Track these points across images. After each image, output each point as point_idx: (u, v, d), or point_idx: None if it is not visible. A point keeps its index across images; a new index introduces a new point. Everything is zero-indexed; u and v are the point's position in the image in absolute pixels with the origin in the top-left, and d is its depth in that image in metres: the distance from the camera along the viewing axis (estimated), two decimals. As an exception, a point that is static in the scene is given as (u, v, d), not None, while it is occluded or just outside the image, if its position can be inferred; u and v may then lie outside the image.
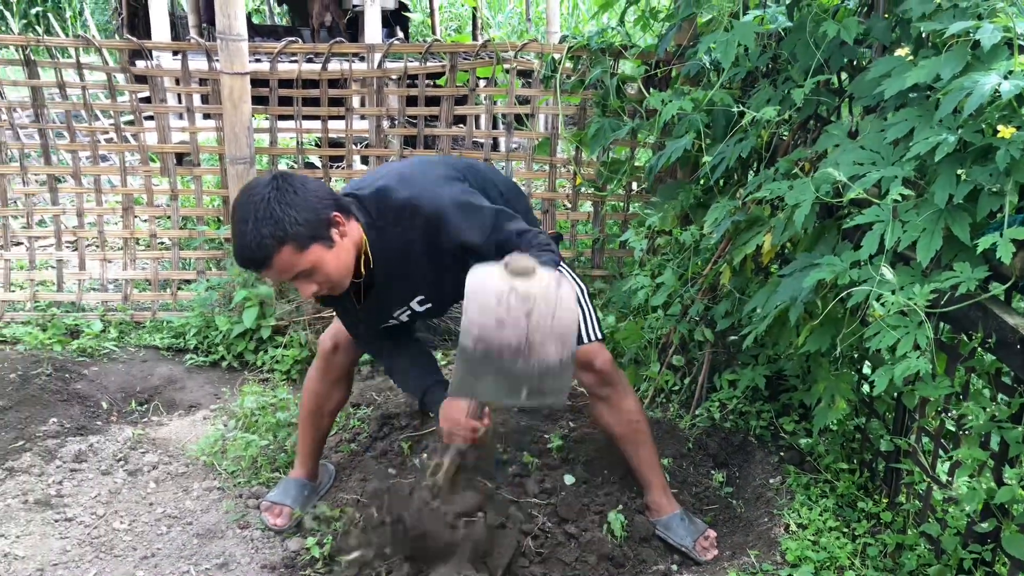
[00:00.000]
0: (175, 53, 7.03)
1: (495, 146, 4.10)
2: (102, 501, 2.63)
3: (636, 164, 3.98)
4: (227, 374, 3.59)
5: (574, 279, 2.38)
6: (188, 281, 4.13)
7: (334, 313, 2.44)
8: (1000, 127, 1.67)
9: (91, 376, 3.45)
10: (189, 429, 3.12)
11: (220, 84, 3.65)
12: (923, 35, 2.11)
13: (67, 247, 4.58)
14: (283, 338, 3.59)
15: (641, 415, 2.45)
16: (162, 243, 4.41)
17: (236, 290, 3.63)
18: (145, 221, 4.15)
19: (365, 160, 4.86)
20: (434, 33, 12.53)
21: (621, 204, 4.12)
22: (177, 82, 3.84)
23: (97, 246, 4.09)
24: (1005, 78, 1.68)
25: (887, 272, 1.72)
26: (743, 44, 2.39)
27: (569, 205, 4.13)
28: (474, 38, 12.67)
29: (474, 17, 13.03)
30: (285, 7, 11.83)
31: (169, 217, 4.06)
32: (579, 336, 2.28)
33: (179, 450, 2.97)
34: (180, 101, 4.29)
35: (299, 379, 3.52)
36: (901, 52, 2.01)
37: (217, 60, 3.64)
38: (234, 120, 3.66)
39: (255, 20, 12.86)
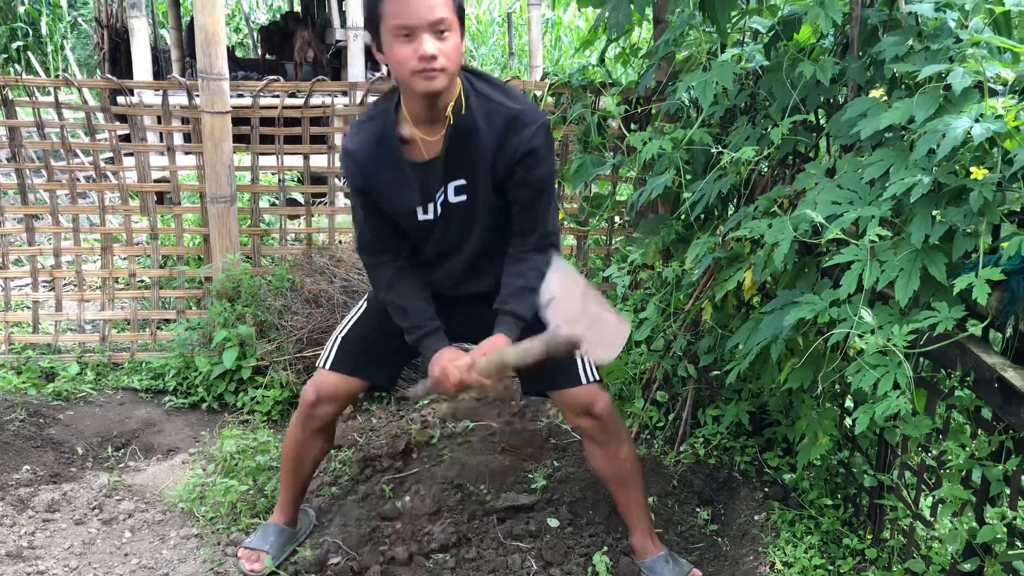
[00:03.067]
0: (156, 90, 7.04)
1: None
2: (75, 552, 2.57)
3: (618, 199, 4.00)
4: (207, 416, 3.55)
5: None
6: (168, 321, 4.09)
7: (321, 361, 2.40)
8: (973, 169, 1.69)
9: (66, 420, 3.39)
10: (167, 474, 3.07)
11: (201, 123, 3.65)
12: (897, 76, 2.14)
13: (43, 287, 4.53)
14: (263, 379, 3.55)
15: (635, 459, 2.42)
16: (141, 282, 4.37)
17: (216, 330, 3.59)
18: (124, 259, 4.11)
19: (348, 196, 4.85)
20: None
21: (604, 238, 4.13)
22: (159, 120, 3.82)
23: (75, 286, 4.05)
24: (976, 121, 1.70)
25: (866, 314, 1.72)
26: (722, 84, 2.41)
27: (551, 240, 4.13)
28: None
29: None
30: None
31: (149, 256, 4.03)
32: (578, 375, 2.29)
33: (156, 496, 2.91)
34: (161, 139, 4.27)
35: (280, 420, 3.48)
36: (875, 93, 2.04)
37: (198, 96, 3.64)
38: (215, 159, 3.65)
39: (238, 54, 12.90)
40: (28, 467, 2.98)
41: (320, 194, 4.29)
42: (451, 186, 2.09)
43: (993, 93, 1.82)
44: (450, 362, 2.03)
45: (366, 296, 2.45)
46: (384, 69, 9.54)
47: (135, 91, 4.74)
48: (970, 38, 1.94)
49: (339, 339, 2.39)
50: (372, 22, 1.92)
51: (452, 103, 1.99)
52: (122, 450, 3.29)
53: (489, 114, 2.02)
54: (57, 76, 3.64)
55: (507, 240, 2.18)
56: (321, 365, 2.39)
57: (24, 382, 3.63)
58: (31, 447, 3.12)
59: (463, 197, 2.10)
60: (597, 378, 2.32)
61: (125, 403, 3.63)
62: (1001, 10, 2.18)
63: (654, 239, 3.22)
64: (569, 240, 4.31)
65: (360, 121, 2.13)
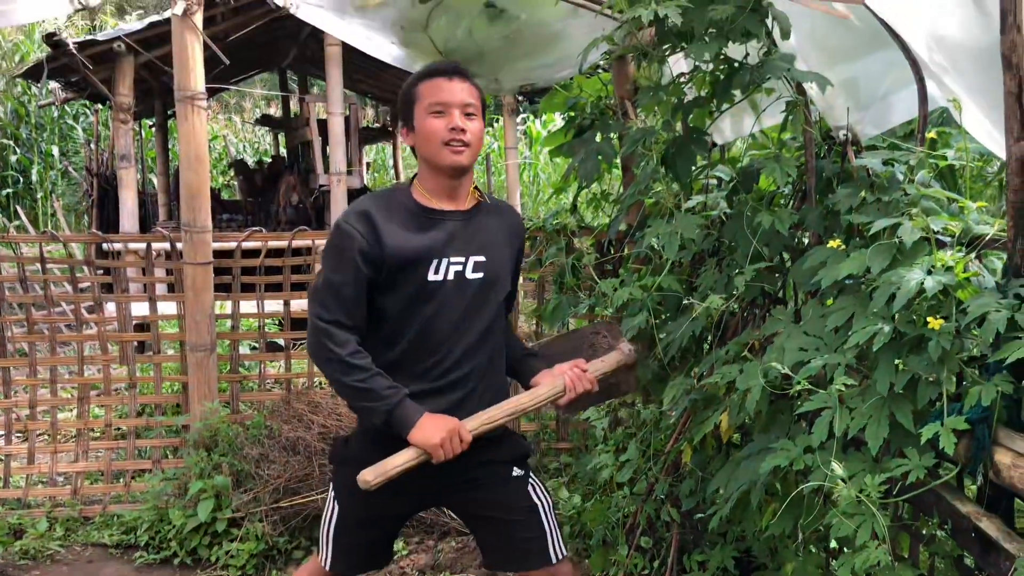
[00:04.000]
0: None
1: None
2: None
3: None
4: (179, 572, 3.42)
5: (543, 492, 2.28)
6: (143, 471, 4.02)
7: (322, 559, 2.24)
8: (930, 319, 1.75)
9: (32, 581, 3.26)
10: (135, 639, 2.93)
11: (183, 273, 3.71)
12: (853, 225, 2.24)
13: (16, 439, 4.46)
14: (239, 531, 3.46)
15: None
16: (118, 431, 4.31)
17: (192, 481, 3.53)
18: (101, 409, 4.08)
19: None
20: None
21: (582, 377, 4.15)
22: (143, 272, 3.89)
23: (49, 437, 3.99)
24: (929, 273, 1.78)
25: (836, 467, 1.74)
26: (686, 235, 2.51)
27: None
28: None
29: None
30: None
31: (126, 404, 4.00)
32: (547, 555, 2.21)
33: (122, 664, 2.78)
34: (144, 288, 4.32)
35: (254, 574, 3.36)
36: (833, 244, 2.13)
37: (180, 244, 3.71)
38: (195, 308, 3.69)
39: (224, 196, 13.23)
40: (-12, 636, 2.85)
41: (301, 338, 4.32)
42: (472, 260, 2.11)
43: (942, 244, 1.91)
44: (451, 420, 2.04)
45: (332, 489, 2.27)
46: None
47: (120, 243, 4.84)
48: (917, 192, 2.05)
49: (331, 540, 2.23)
50: (407, 103, 2.12)
51: (473, 186, 2.19)
52: (88, 613, 3.16)
53: (502, 211, 2.29)
54: (44, 232, 3.72)
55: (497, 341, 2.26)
56: (322, 563, 2.24)
57: (-9, 540, 3.51)
58: (-7, 613, 2.99)
59: (480, 274, 2.13)
60: (565, 554, 2.25)
61: (94, 560, 3.51)
62: (944, 163, 2.32)
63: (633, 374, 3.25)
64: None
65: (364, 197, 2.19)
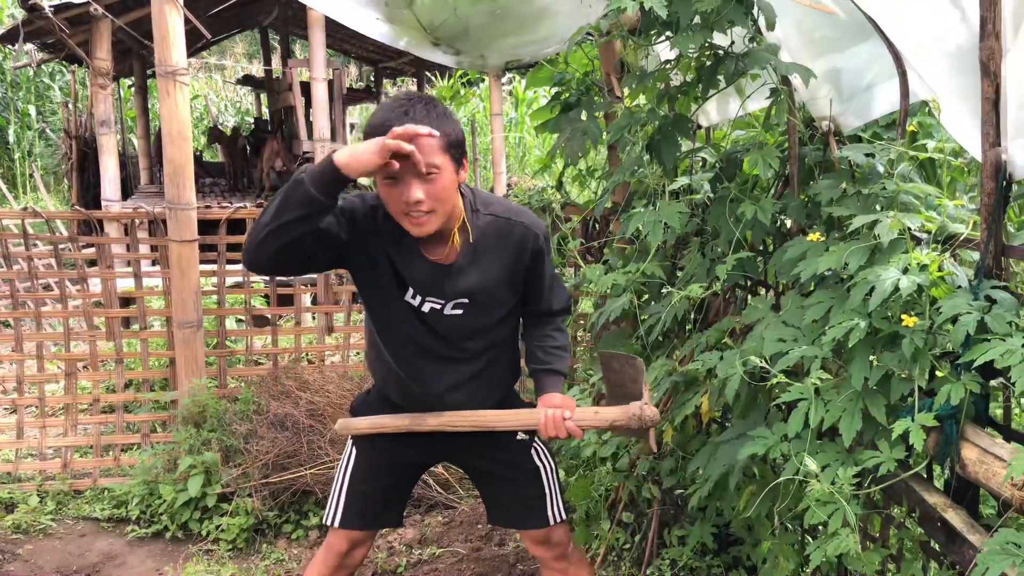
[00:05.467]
0: (124, 197, 7.10)
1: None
2: None
3: (580, 311, 4.10)
4: (170, 546, 3.48)
5: (547, 456, 2.36)
6: (132, 445, 4.06)
7: (329, 518, 2.29)
8: (904, 316, 1.80)
9: (25, 556, 3.31)
10: (128, 612, 3.00)
11: (169, 251, 3.71)
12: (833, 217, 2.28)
13: (4, 411, 4.48)
14: (229, 506, 3.51)
15: None
16: (106, 405, 4.34)
17: (181, 457, 3.57)
18: (89, 383, 4.10)
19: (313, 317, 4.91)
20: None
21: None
22: (127, 248, 3.88)
23: (37, 410, 4.02)
24: (904, 272, 1.83)
25: (810, 462, 1.80)
26: (670, 223, 2.54)
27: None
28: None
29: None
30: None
31: (114, 380, 4.02)
32: (545, 516, 2.31)
33: (117, 638, 2.85)
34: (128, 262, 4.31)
35: (245, 548, 3.43)
36: (812, 237, 2.17)
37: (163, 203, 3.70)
38: (182, 285, 3.70)
39: (206, 157, 13.06)
40: (-16, 611, 2.91)
41: (287, 313, 4.34)
42: (451, 303, 2.09)
43: (918, 242, 1.95)
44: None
45: (351, 442, 2.33)
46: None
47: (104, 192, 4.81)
48: (897, 187, 2.09)
49: (343, 495, 2.29)
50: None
51: (457, 226, 2.03)
52: (82, 586, 3.22)
53: (500, 232, 2.09)
54: (26, 208, 3.70)
55: (498, 352, 2.24)
56: (330, 522, 2.29)
57: (-18, 515, 3.56)
58: (-12, 588, 3.05)
59: (460, 312, 2.10)
60: (563, 517, 2.35)
61: (86, 534, 3.56)
62: (924, 156, 2.35)
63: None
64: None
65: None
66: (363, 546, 2.33)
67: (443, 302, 2.09)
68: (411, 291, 2.07)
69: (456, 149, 1.93)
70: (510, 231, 2.09)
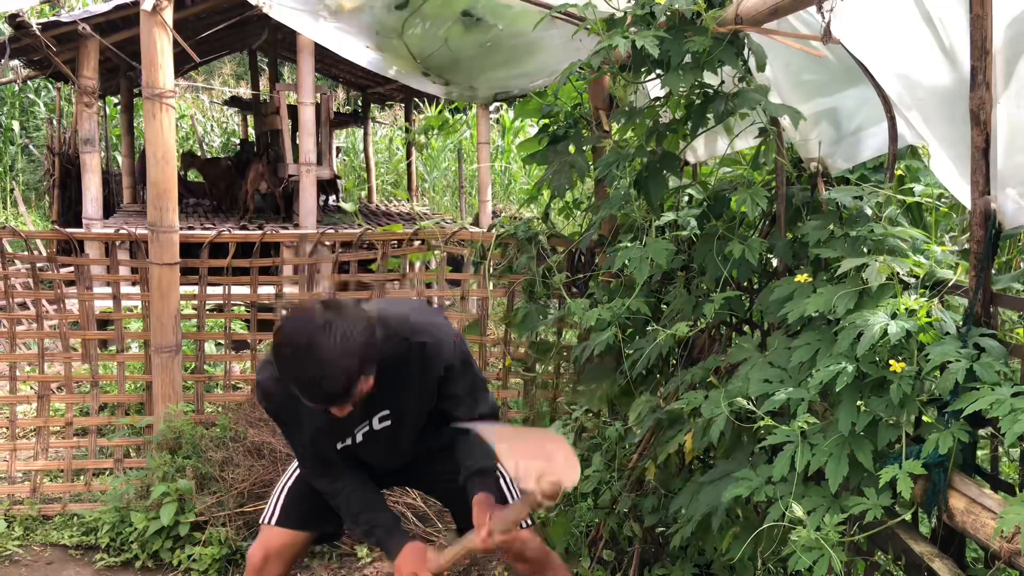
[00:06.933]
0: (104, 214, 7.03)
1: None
2: None
3: (565, 342, 4.08)
4: (140, 576, 3.40)
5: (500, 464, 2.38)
6: (104, 470, 3.97)
7: (265, 517, 2.39)
8: (892, 362, 1.79)
9: (-11, 584, 3.22)
10: (94, 646, 2.91)
11: (150, 274, 3.66)
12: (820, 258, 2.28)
13: (-25, 432, 4.38)
14: (202, 535, 3.43)
15: None
16: (79, 429, 4.25)
17: (155, 484, 3.49)
18: (62, 405, 4.01)
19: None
20: (371, 194, 12.92)
21: (551, 381, 4.18)
22: (107, 270, 3.83)
23: (7, 432, 3.92)
24: (893, 317, 1.82)
25: (797, 509, 1.78)
26: (656, 260, 2.53)
27: (500, 382, 4.18)
28: (409, 189, 13.09)
29: (409, 173, 13.53)
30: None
31: (88, 403, 3.94)
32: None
33: (81, 673, 2.75)
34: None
35: (218, 580, 3.35)
36: (800, 278, 2.16)
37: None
38: (161, 310, 3.64)
39: (190, 177, 12.98)
40: (-58, 643, 2.81)
41: (266, 338, 4.29)
42: (375, 418, 2.21)
43: (907, 286, 1.95)
44: (420, 564, 2.14)
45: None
46: (332, 199, 9.72)
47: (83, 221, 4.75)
48: (885, 231, 2.09)
49: (284, 493, 2.38)
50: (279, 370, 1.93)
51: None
52: (46, 618, 3.12)
53: (400, 357, 2.10)
54: (4, 227, 3.64)
55: (432, 418, 2.30)
56: (266, 522, 2.36)
57: (-53, 541, 3.45)
58: (-52, 619, 2.95)
59: (387, 423, 2.23)
60: (530, 524, 2.39)
61: (53, 562, 3.47)
62: (911, 200, 2.36)
63: (600, 385, 3.28)
64: (517, 384, 4.35)
65: (267, 363, 2.13)
66: (280, 561, 2.36)
67: (367, 424, 2.21)
68: (338, 442, 2.22)
69: (374, 355, 1.91)
70: (411, 354, 2.12)
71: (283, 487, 2.41)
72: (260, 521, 2.39)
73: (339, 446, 2.23)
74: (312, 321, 1.83)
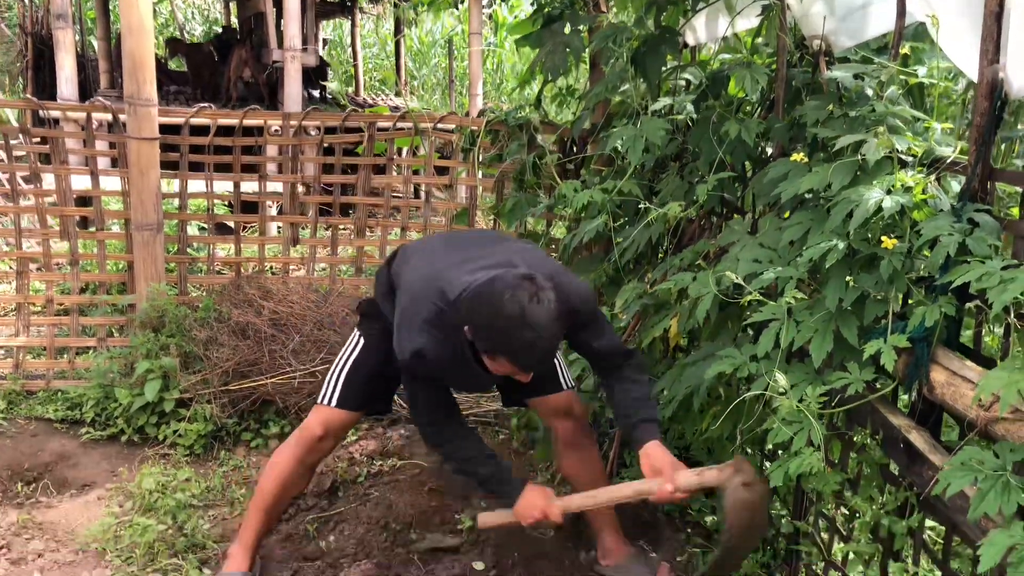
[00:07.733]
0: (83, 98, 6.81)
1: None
2: (-21, 597, 2.46)
3: (553, 235, 4.04)
4: (126, 449, 3.43)
5: None
6: (87, 348, 3.96)
7: (324, 398, 2.49)
8: (884, 238, 1.77)
9: (-26, 453, 3.24)
10: (81, 511, 2.96)
11: (128, 148, 3.56)
12: (818, 139, 2.23)
13: (-45, 309, 4.34)
14: (187, 411, 3.46)
15: (602, 463, 2.68)
16: (61, 307, 4.22)
17: (139, 361, 3.49)
18: (42, 284, 3.96)
19: (278, 228, 4.79)
20: (358, 88, 12.58)
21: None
22: (84, 143, 3.72)
23: (-12, 310, 3.90)
24: (888, 193, 1.79)
25: (780, 377, 1.79)
26: (651, 140, 2.48)
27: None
28: (398, 86, 12.76)
29: (397, 68, 13.17)
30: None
31: (68, 282, 3.89)
32: (559, 383, 2.52)
33: (68, 535, 2.81)
34: (86, 162, 4.14)
35: (203, 454, 3.39)
36: (796, 157, 2.12)
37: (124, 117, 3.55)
38: (141, 186, 3.56)
39: (172, 65, 12.59)
40: (-70, 505, 2.85)
41: (250, 222, 4.23)
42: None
43: (904, 164, 1.91)
44: (548, 505, 2.24)
45: (359, 333, 2.53)
46: (318, 93, 9.45)
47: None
48: (885, 110, 2.03)
49: (341, 379, 2.49)
50: (489, 347, 2.04)
51: None
52: (33, 485, 3.16)
53: (551, 320, 2.10)
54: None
55: None
56: (325, 403, 2.48)
57: (-70, 412, 3.46)
58: (-65, 483, 2.98)
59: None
60: (573, 385, 2.57)
61: (38, 434, 3.49)
62: (914, 81, 2.30)
63: (589, 277, 3.27)
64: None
65: (426, 328, 2.15)
66: (335, 438, 2.54)
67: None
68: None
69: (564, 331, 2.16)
70: (559, 316, 2.11)
71: (338, 374, 2.50)
72: (318, 401, 2.51)
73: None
74: (519, 293, 1.98)
